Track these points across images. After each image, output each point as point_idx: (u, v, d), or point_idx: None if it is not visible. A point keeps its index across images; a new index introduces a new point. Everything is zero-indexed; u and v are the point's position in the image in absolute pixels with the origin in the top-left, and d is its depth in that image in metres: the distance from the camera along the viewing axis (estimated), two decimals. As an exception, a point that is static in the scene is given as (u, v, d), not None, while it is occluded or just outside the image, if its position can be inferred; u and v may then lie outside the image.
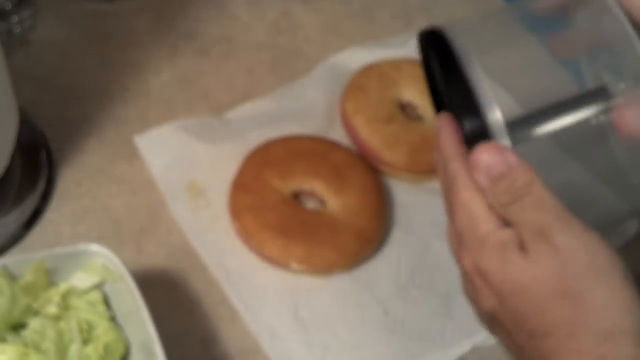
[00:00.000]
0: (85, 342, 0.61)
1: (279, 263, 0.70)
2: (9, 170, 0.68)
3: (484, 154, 0.50)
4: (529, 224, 0.48)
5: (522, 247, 0.48)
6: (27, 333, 0.61)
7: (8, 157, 0.68)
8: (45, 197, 0.73)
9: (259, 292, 0.70)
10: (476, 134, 0.53)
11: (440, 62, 0.58)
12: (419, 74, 0.81)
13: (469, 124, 0.55)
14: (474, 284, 0.51)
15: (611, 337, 0.45)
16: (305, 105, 0.82)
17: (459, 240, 0.52)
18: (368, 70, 0.81)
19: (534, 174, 0.49)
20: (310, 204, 0.75)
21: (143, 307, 0.59)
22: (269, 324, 0.68)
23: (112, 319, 0.63)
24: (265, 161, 0.75)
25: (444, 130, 0.55)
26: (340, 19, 0.91)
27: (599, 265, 0.46)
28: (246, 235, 0.71)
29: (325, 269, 0.71)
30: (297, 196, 0.74)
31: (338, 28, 0.90)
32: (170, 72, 0.84)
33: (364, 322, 0.69)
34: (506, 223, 0.50)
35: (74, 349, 0.61)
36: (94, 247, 0.62)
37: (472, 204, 0.51)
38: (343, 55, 0.86)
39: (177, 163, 0.76)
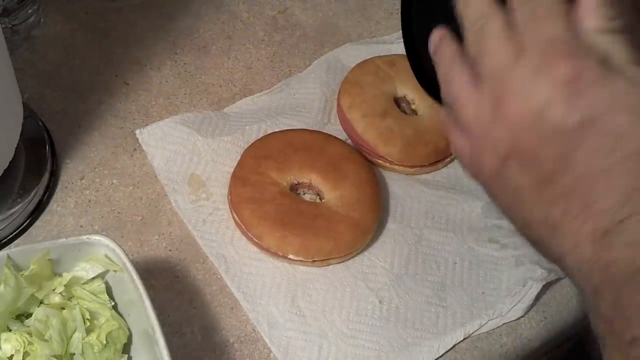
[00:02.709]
0: (88, 331, 0.62)
1: (277, 254, 0.71)
2: (13, 163, 0.69)
3: None
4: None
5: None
6: (31, 322, 0.62)
7: (12, 150, 0.68)
8: (49, 190, 0.74)
9: (258, 281, 0.71)
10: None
11: None
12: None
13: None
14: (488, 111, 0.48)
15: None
16: (302, 100, 0.83)
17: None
18: (363, 66, 0.82)
19: None
20: (307, 196, 0.76)
21: (145, 297, 0.60)
22: (267, 313, 0.69)
23: (115, 308, 0.64)
24: (264, 154, 0.75)
25: None
26: (336, 17, 0.91)
27: None
28: (245, 227, 0.72)
29: (322, 260, 0.72)
30: (294, 188, 0.75)
31: (334, 25, 0.91)
32: (171, 68, 0.85)
33: (359, 311, 0.70)
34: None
35: (77, 337, 0.62)
36: (97, 238, 0.62)
37: None
38: (339, 52, 0.87)
39: (178, 156, 0.77)
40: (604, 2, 0.46)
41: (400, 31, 0.89)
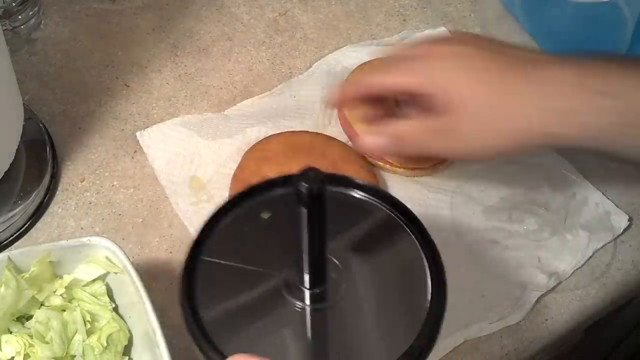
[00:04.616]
0: (89, 333, 0.62)
1: (277, 256, 0.71)
2: (14, 165, 0.69)
3: None
4: None
5: None
6: (32, 324, 0.62)
7: (13, 152, 0.68)
8: (50, 192, 0.74)
9: (258, 284, 0.71)
10: None
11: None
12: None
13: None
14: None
15: None
16: (303, 102, 0.82)
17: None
18: (364, 68, 0.82)
19: None
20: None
21: (145, 299, 0.59)
22: (267, 315, 0.69)
23: (115, 310, 0.64)
24: (265, 156, 0.75)
25: None
26: (337, 19, 0.91)
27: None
28: (245, 229, 0.72)
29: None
30: (295, 191, 0.75)
31: (335, 27, 0.91)
32: (171, 70, 0.85)
33: (360, 314, 0.70)
34: None
35: (78, 339, 0.62)
36: (98, 240, 0.62)
37: None
38: (340, 54, 0.87)
39: (179, 158, 0.77)
40: None
41: (401, 33, 0.90)
